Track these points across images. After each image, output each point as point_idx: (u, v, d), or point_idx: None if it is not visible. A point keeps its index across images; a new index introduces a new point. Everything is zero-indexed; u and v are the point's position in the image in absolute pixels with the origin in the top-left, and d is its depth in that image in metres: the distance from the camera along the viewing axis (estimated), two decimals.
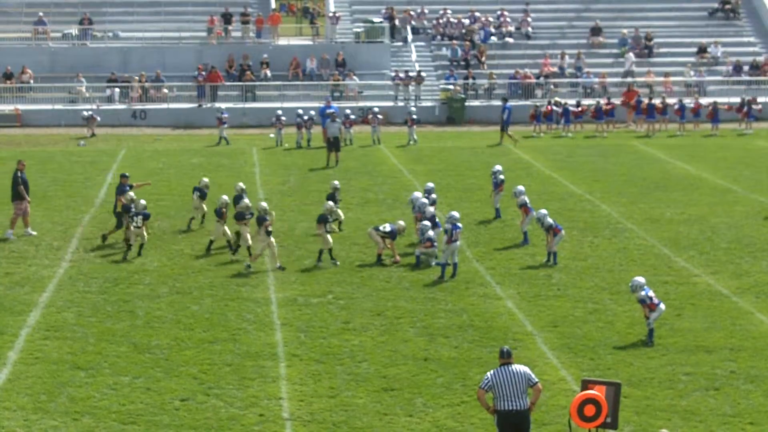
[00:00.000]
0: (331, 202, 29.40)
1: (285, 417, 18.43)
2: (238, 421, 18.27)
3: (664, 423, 18.08)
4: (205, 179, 33.27)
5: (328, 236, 28.05)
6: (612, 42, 61.06)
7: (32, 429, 17.94)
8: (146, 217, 28.75)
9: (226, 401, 19.08)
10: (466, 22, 61.16)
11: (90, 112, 51.06)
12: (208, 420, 18.28)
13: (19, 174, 31.17)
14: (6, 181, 38.90)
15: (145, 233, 28.68)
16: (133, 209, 28.61)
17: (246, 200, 29.63)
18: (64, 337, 22.32)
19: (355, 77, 56.65)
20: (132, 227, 28.47)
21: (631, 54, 59.02)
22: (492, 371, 16.11)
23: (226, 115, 49.14)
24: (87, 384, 19.79)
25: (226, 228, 28.94)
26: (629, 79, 57.12)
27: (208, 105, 54.94)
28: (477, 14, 61.51)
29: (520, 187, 30.81)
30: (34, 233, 30.86)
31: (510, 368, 15.98)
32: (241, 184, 31.35)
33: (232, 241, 28.81)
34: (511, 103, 50.78)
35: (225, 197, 30.09)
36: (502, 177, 33.47)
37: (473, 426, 18.07)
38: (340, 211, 31.50)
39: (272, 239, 27.60)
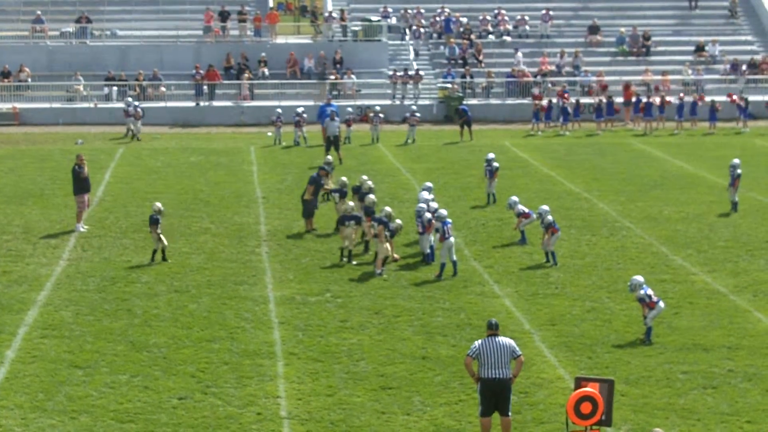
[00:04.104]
0: (372, 195, 29.46)
1: (283, 415, 18.46)
2: (236, 420, 18.27)
3: (662, 421, 18.09)
4: (329, 157, 37.33)
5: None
6: (610, 41, 61.03)
7: (30, 428, 17.95)
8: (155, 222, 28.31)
9: (224, 400, 19.08)
10: (464, 20, 61.14)
11: (132, 105, 49.53)
12: (206, 419, 18.29)
13: (77, 168, 31.33)
14: (5, 180, 39.06)
15: (163, 238, 28.11)
16: (159, 217, 28.03)
17: (372, 196, 29.74)
18: (61, 335, 22.32)
19: (353, 76, 56.63)
20: (154, 233, 27.95)
21: (519, 54, 58.67)
22: (480, 341, 17.16)
23: (138, 110, 49.12)
24: (84, 382, 19.79)
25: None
26: (529, 79, 57.12)
27: (206, 103, 54.96)
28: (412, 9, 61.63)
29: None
30: (84, 229, 31.01)
31: (496, 339, 17.08)
32: (365, 178, 31.64)
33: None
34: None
35: (344, 178, 32.86)
36: (496, 165, 34.70)
37: (471, 425, 18.07)
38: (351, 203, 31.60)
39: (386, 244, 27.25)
